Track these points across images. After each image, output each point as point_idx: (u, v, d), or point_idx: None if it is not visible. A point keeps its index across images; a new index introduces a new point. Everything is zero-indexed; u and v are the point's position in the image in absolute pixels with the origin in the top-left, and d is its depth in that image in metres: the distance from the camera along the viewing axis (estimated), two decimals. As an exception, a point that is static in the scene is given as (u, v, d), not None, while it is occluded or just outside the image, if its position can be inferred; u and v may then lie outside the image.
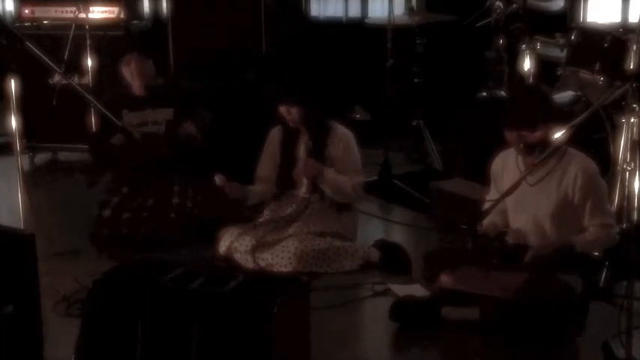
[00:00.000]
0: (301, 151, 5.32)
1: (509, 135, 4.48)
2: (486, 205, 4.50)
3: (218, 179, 5.15)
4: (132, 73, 5.66)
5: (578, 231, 4.43)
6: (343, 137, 5.33)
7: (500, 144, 4.68)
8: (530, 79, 6.09)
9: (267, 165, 5.43)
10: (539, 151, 4.42)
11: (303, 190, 5.31)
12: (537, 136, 4.40)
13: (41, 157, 7.21)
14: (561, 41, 6.21)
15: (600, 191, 4.45)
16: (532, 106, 4.50)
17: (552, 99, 4.81)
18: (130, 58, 5.65)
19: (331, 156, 5.29)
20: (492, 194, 4.66)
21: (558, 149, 4.44)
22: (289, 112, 5.24)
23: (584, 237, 4.42)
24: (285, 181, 5.36)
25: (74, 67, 6.70)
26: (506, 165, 4.63)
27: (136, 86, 5.69)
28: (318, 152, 5.26)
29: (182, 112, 5.67)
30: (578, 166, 4.43)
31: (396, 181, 6.51)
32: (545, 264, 4.28)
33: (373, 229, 5.78)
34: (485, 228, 4.57)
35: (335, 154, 5.29)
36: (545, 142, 4.41)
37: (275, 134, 5.43)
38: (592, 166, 4.46)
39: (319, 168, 5.20)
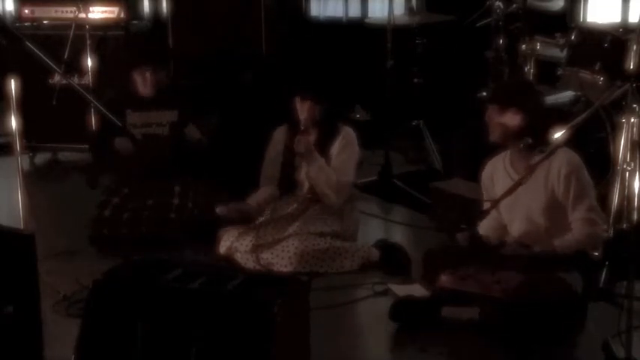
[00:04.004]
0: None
1: (487, 115, 4.54)
2: (486, 206, 4.50)
3: (219, 210, 5.18)
4: (145, 82, 5.64)
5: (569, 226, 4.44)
6: (345, 137, 5.32)
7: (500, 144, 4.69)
8: (530, 79, 6.10)
9: (272, 164, 5.43)
10: (538, 151, 4.43)
11: (305, 191, 5.31)
12: (507, 120, 4.43)
13: (41, 157, 7.21)
14: (561, 41, 6.21)
15: (583, 183, 4.44)
16: (510, 85, 4.62)
17: (539, 93, 4.80)
18: (145, 69, 5.62)
19: (331, 155, 5.29)
20: (486, 204, 4.64)
21: (535, 145, 4.45)
22: (306, 108, 5.21)
23: (567, 239, 4.42)
24: (288, 183, 5.35)
25: (74, 67, 6.70)
26: (496, 171, 4.65)
27: (145, 92, 5.69)
28: (322, 149, 5.24)
29: (187, 114, 5.67)
30: (562, 159, 4.44)
31: (396, 181, 6.51)
32: (532, 291, 4.26)
33: (373, 229, 5.79)
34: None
35: (333, 152, 5.29)
36: (515, 133, 4.44)
37: (280, 134, 5.42)
38: (575, 158, 4.47)
39: (311, 147, 5.18)
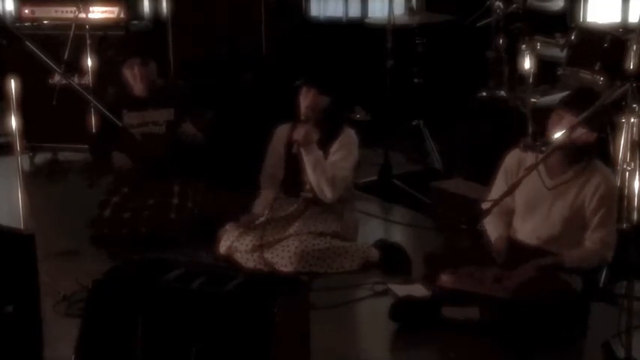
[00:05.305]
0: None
1: (557, 118, 4.42)
2: (487, 204, 4.47)
3: (230, 226, 5.21)
4: (134, 77, 5.65)
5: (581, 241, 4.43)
6: (345, 138, 5.31)
7: (500, 143, 4.68)
8: (531, 79, 6.10)
9: (273, 162, 5.42)
10: (539, 149, 4.40)
11: (306, 190, 5.30)
12: (577, 132, 4.32)
13: (41, 157, 7.21)
14: (561, 41, 6.21)
15: (613, 208, 4.43)
16: (593, 98, 4.41)
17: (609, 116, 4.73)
18: (133, 61, 5.64)
19: (330, 153, 5.28)
20: (499, 189, 4.58)
21: (580, 158, 4.42)
22: (310, 96, 5.20)
23: (577, 253, 4.40)
24: (291, 181, 5.34)
25: (74, 67, 6.70)
26: (524, 162, 4.52)
27: (138, 88, 5.69)
28: (323, 148, 5.24)
29: (182, 112, 5.67)
30: (602, 178, 4.41)
31: (396, 181, 6.51)
32: (533, 291, 4.25)
33: (373, 229, 5.78)
34: (494, 244, 4.54)
35: (332, 151, 5.29)
36: (579, 146, 4.37)
37: (282, 131, 5.41)
38: (614, 182, 4.47)
39: (312, 136, 5.17)
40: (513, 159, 4.62)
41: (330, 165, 5.21)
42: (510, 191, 4.41)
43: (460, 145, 6.50)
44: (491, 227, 4.57)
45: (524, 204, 4.54)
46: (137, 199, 5.57)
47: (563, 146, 4.35)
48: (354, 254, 5.15)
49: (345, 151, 5.27)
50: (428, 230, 5.75)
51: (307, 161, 5.19)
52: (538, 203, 4.49)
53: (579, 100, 4.47)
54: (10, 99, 4.76)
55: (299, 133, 5.17)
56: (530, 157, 4.51)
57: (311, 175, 5.20)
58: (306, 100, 5.22)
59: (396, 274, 5.05)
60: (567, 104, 4.47)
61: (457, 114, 6.63)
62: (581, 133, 4.34)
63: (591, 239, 4.40)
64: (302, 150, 5.18)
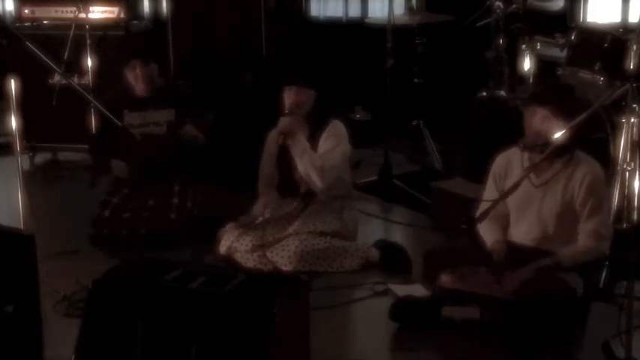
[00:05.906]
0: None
1: (531, 114, 4.45)
2: (484, 205, 4.48)
3: (229, 226, 5.22)
4: (136, 78, 5.66)
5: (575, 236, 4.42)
6: (332, 129, 5.29)
7: (500, 143, 4.68)
8: (531, 79, 6.10)
9: (268, 165, 5.42)
10: (539, 149, 4.41)
11: (303, 188, 5.30)
12: (554, 127, 4.36)
13: (41, 157, 7.21)
14: (561, 41, 6.21)
15: (602, 196, 4.43)
16: (561, 90, 4.46)
17: (580, 106, 4.74)
18: (134, 63, 5.64)
19: (319, 146, 5.28)
20: (489, 193, 4.62)
21: (564, 152, 4.42)
22: (292, 93, 5.20)
23: (573, 249, 4.41)
24: (286, 181, 5.34)
25: (74, 67, 6.70)
26: (511, 165, 4.58)
27: (139, 89, 5.69)
28: (311, 143, 5.23)
29: (183, 113, 5.67)
30: (587, 168, 4.42)
31: (396, 181, 6.51)
32: (532, 291, 4.26)
33: (373, 229, 5.78)
34: (492, 248, 4.53)
35: (320, 143, 5.29)
36: (547, 139, 4.38)
37: (273, 134, 5.41)
38: (600, 171, 4.46)
39: (295, 126, 5.17)
40: (500, 162, 4.65)
41: (318, 156, 5.21)
42: (507, 194, 4.42)
43: (460, 145, 6.50)
44: (486, 232, 4.57)
45: (516, 205, 4.55)
46: (137, 200, 5.57)
47: (540, 139, 4.39)
48: (354, 254, 5.15)
49: (332, 141, 5.26)
50: (428, 230, 5.75)
51: (294, 152, 5.18)
52: (528, 203, 4.50)
53: (548, 94, 4.52)
54: (10, 99, 4.76)
55: (283, 124, 5.17)
56: (517, 159, 4.52)
57: (299, 165, 5.19)
58: (289, 97, 5.23)
59: (396, 274, 5.05)
60: (537, 99, 4.51)
61: (457, 114, 6.63)
62: (560, 124, 4.35)
63: (584, 231, 4.40)
64: (289, 141, 5.18)
